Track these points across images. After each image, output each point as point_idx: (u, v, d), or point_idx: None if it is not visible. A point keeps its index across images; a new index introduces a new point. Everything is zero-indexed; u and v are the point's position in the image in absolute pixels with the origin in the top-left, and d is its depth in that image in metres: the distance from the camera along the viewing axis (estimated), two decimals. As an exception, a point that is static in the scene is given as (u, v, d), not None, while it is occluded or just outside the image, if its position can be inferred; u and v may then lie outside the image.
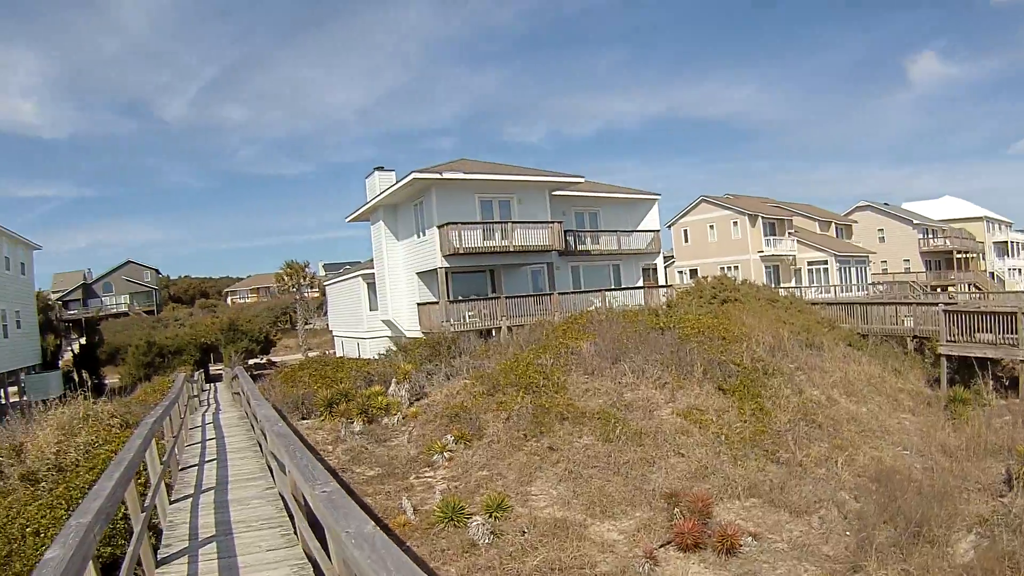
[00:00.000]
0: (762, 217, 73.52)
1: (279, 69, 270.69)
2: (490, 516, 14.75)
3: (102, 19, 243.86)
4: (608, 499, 16.25)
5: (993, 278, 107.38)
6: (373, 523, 4.90)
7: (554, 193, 44.94)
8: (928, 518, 15.83)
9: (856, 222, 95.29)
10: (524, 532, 14.47)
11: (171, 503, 12.89)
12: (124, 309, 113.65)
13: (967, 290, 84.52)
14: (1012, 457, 19.44)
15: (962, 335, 28.58)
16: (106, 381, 58.51)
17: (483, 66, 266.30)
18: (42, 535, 11.78)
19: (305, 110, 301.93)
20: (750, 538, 15.00)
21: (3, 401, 48.76)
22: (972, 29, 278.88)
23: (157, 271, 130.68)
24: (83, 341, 74.44)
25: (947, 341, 28.70)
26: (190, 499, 13.18)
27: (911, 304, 36.43)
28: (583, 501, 16.13)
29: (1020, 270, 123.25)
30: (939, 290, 78.46)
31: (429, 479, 17.49)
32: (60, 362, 64.54)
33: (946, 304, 31.62)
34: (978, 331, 28.30)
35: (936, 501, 16.83)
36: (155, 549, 10.03)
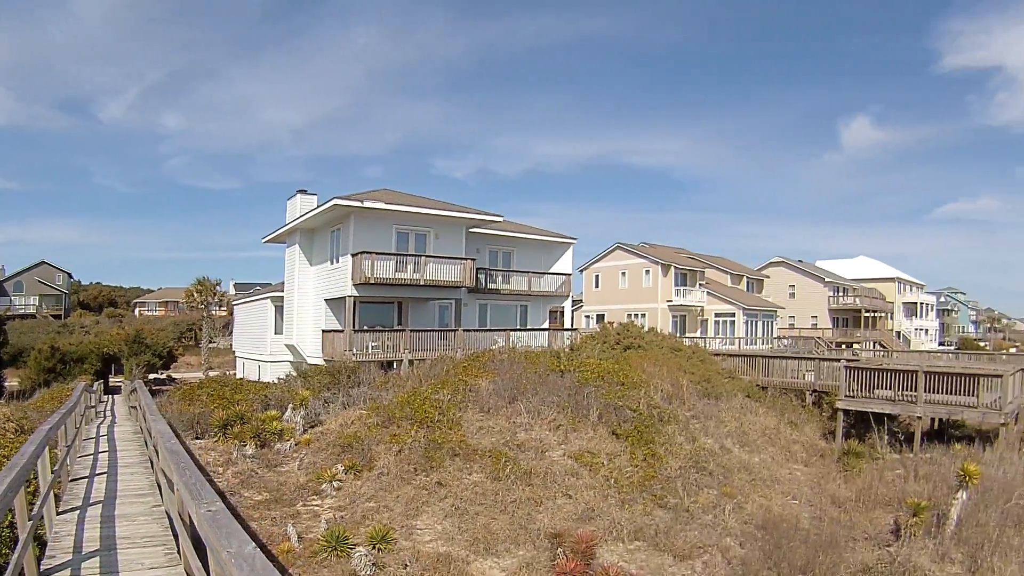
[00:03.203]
0: (675, 267, 74.94)
1: (221, 81, 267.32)
2: (374, 548, 14.65)
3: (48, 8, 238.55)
4: (492, 536, 16.23)
5: (899, 337, 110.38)
6: (254, 544, 5.04)
7: (471, 230, 45.26)
8: (813, 565, 16.07)
9: (768, 277, 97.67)
10: (406, 566, 14.41)
11: (59, 514, 12.78)
12: (32, 311, 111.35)
13: (872, 348, 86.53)
14: (902, 509, 19.68)
15: (861, 391, 29.27)
16: (5, 384, 57.45)
17: (424, 98, 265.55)
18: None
19: (242, 126, 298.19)
20: (633, 580, 15.24)
21: None
22: (910, 96, 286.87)
23: (70, 275, 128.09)
24: (-14, 340, 73.30)
25: (846, 396, 29.29)
26: (77, 511, 13.07)
27: (813, 359, 37.18)
28: (467, 537, 16.11)
29: (927, 330, 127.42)
30: (844, 347, 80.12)
31: (316, 507, 17.34)
32: (-42, 360, 62.81)
33: (848, 360, 32.10)
34: (878, 387, 29.00)
35: (822, 549, 16.96)
36: (38, 560, 9.94)
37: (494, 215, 44.03)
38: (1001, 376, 27.00)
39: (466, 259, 41.53)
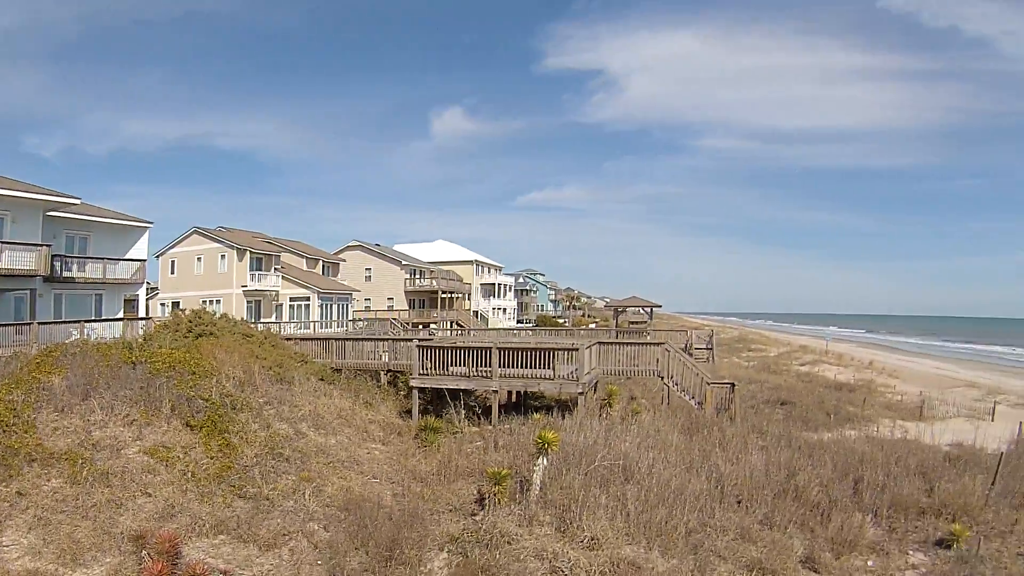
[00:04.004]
0: (251, 252, 74.75)
1: None
2: (-40, 574, 14.15)
3: None
4: (78, 546, 15.74)
5: (477, 316, 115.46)
6: None
7: (49, 214, 43.21)
8: (400, 541, 16.56)
9: (345, 260, 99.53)
10: (-5, 589, 13.91)
11: None
12: None
13: (450, 327, 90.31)
14: (483, 479, 20.42)
15: (436, 369, 30.56)
16: None
17: (20, 68, 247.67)
18: None
19: None
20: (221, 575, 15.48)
21: None
22: (506, 91, 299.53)
23: None
24: None
25: (420, 374, 30.57)
26: None
27: (387, 339, 38.45)
28: (54, 549, 15.54)
29: (505, 309, 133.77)
30: (421, 327, 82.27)
31: None
32: None
33: (421, 340, 33.74)
34: (453, 365, 30.44)
35: (407, 525, 17.61)
36: None
37: (72, 197, 42.29)
38: (578, 349, 29.24)
39: (43, 245, 39.81)
